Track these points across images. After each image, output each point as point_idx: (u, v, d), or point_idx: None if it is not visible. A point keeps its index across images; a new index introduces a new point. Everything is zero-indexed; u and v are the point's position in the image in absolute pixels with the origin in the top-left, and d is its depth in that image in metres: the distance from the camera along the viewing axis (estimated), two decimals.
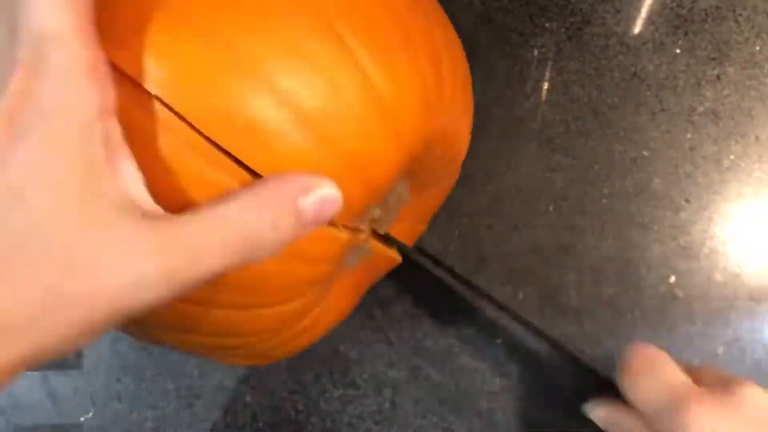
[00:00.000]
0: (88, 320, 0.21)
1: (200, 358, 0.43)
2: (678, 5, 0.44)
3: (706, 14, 0.44)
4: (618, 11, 0.44)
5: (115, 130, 0.22)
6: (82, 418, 0.43)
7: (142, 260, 0.21)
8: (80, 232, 0.20)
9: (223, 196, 0.23)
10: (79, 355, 0.43)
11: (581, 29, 0.44)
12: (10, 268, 0.20)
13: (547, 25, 0.44)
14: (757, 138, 0.44)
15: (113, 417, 0.43)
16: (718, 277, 0.43)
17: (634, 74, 0.44)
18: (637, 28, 0.45)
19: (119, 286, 0.21)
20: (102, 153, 0.21)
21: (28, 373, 0.43)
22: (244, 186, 0.24)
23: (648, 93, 0.44)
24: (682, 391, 0.32)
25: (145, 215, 0.21)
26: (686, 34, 0.44)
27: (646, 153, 0.43)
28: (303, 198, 0.23)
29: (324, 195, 0.23)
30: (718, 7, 0.44)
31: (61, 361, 0.43)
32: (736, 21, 0.44)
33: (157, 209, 0.22)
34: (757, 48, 0.44)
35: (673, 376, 0.33)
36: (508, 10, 0.44)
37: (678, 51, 0.44)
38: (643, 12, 0.45)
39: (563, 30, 0.44)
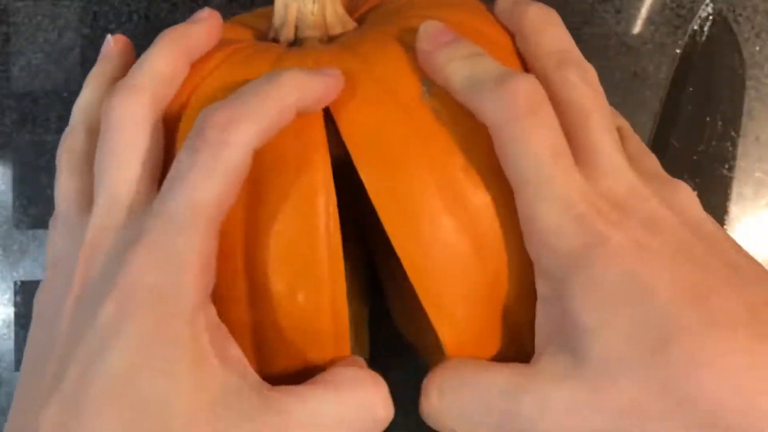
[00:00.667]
0: None
1: None
2: (678, 5, 0.44)
3: (706, 14, 0.44)
4: (618, 11, 0.45)
5: (214, 314, 0.22)
6: None
7: None
8: (200, 417, 0.19)
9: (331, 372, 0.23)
10: None
11: (581, 29, 0.44)
12: None
13: None
14: (757, 138, 0.44)
15: None
16: None
17: (634, 74, 0.44)
18: (637, 28, 0.45)
19: None
20: (207, 337, 0.21)
21: None
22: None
23: (648, 93, 0.44)
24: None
25: (258, 391, 0.21)
26: (686, 34, 0.44)
27: None
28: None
29: None
30: (718, 8, 0.44)
31: None
32: (736, 21, 0.44)
33: (263, 384, 0.22)
34: (757, 48, 0.44)
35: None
36: None
37: (678, 51, 0.44)
38: (643, 12, 0.45)
39: None
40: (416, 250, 0.24)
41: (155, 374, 0.19)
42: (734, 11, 0.44)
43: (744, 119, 0.44)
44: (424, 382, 0.24)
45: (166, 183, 0.22)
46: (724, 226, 0.43)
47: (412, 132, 0.24)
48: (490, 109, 0.23)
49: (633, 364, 0.20)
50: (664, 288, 0.21)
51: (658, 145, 0.43)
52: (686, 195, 0.25)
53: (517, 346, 0.25)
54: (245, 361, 0.22)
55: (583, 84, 0.26)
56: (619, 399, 0.20)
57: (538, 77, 0.25)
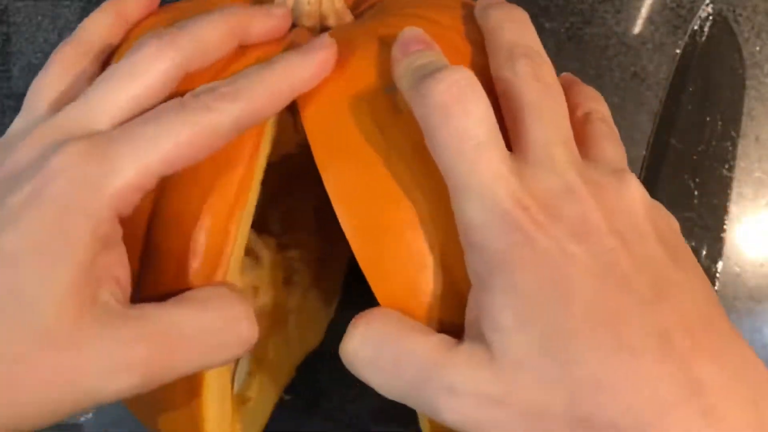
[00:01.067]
0: (54, 401, 0.21)
1: None
2: (678, 5, 0.44)
3: (706, 14, 0.44)
4: (618, 11, 0.45)
5: (118, 232, 0.23)
6: (82, 419, 0.43)
7: (119, 347, 0.21)
8: (63, 310, 0.21)
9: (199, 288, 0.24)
10: None
11: (581, 29, 0.44)
12: None
13: (547, 25, 0.44)
14: (757, 138, 0.44)
15: (114, 417, 0.43)
16: (719, 277, 0.43)
17: (634, 74, 0.44)
18: (637, 28, 0.45)
19: (95, 369, 0.21)
20: (100, 248, 0.22)
21: None
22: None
23: (648, 93, 0.44)
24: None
25: (123, 304, 0.22)
26: (686, 34, 0.44)
27: (645, 153, 0.44)
28: None
29: None
30: (718, 8, 0.44)
31: None
32: (736, 21, 0.44)
33: (130, 302, 0.23)
34: (757, 48, 0.44)
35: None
36: None
37: (678, 51, 0.44)
38: (643, 12, 0.45)
39: (563, 30, 0.44)
40: (365, 236, 0.24)
41: (41, 262, 0.21)
42: (734, 11, 0.44)
43: (744, 119, 0.44)
44: (352, 321, 0.24)
45: None
46: (724, 226, 0.43)
47: (371, 127, 0.25)
48: (417, 102, 0.23)
49: (543, 372, 0.21)
50: (581, 305, 0.21)
51: (658, 145, 0.44)
52: (631, 192, 0.24)
53: (456, 297, 0.25)
54: (124, 284, 0.23)
55: (529, 76, 0.25)
56: (526, 400, 0.21)
57: (492, 73, 0.25)
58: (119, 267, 0.23)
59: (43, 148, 0.23)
